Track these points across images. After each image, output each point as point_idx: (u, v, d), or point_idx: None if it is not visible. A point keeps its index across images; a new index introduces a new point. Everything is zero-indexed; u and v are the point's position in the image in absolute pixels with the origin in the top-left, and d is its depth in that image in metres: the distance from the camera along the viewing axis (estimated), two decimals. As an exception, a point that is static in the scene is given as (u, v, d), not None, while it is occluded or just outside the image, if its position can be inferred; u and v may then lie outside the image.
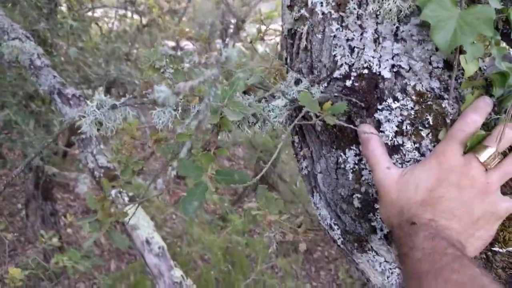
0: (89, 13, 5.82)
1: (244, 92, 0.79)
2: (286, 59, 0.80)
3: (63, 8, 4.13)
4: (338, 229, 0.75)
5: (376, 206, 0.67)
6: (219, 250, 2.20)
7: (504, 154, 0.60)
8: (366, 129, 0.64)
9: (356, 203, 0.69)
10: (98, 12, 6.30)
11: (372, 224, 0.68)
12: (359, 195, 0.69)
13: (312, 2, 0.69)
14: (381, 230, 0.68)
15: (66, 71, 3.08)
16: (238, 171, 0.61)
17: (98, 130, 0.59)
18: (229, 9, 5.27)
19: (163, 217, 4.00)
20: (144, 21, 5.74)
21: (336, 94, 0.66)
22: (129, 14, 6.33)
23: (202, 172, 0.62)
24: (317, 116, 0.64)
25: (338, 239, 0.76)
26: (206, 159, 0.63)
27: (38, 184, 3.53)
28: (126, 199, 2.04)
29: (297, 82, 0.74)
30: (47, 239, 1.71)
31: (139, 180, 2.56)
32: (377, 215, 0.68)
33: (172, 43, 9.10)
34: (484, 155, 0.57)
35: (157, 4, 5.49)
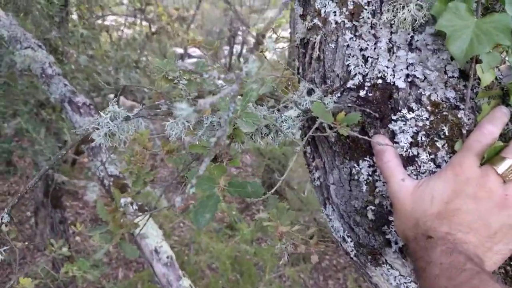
0: (99, 21, 5.90)
1: (256, 102, 0.79)
2: (298, 68, 0.80)
3: (74, 16, 4.19)
4: (351, 241, 0.74)
5: (391, 218, 0.66)
6: (227, 259, 2.18)
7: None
8: (380, 140, 0.63)
9: (370, 215, 0.68)
10: (108, 20, 6.39)
11: (387, 237, 0.67)
12: (373, 207, 0.68)
13: (325, 12, 0.69)
14: (396, 243, 0.66)
15: (76, 79, 3.12)
16: (252, 182, 0.60)
17: (111, 141, 0.59)
18: (237, 16, 5.30)
19: (171, 225, 4.00)
20: (153, 28, 5.80)
21: (349, 105, 0.65)
22: (138, 21, 6.41)
23: (214, 184, 0.61)
24: (330, 127, 0.63)
25: (351, 251, 0.75)
26: (218, 171, 0.62)
27: (47, 192, 3.55)
28: (135, 207, 2.04)
29: (310, 92, 0.73)
30: (56, 248, 1.71)
31: (148, 188, 2.56)
32: (392, 228, 0.66)
33: (180, 50, 9.17)
34: (502, 167, 0.56)
35: (166, 12, 5.55)
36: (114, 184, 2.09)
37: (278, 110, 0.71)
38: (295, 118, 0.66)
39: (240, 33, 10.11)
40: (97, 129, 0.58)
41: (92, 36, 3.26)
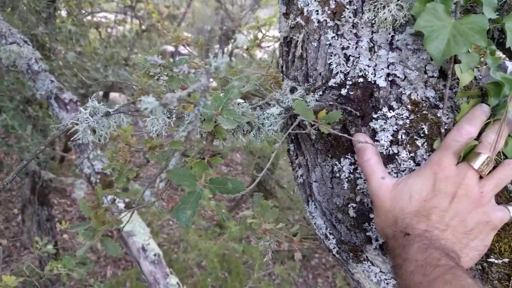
0: (89, 18, 5.83)
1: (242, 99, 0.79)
2: (281, 66, 0.80)
3: (63, 12, 4.14)
4: (333, 238, 0.74)
5: (371, 216, 0.67)
6: (216, 257, 2.18)
7: (497, 162, 0.60)
8: (361, 138, 0.64)
9: (352, 212, 0.69)
10: (98, 17, 6.32)
11: (368, 234, 0.68)
12: (354, 205, 0.68)
13: (307, 10, 0.69)
14: (376, 240, 0.67)
15: (64, 76, 3.08)
16: (232, 179, 0.61)
17: (91, 136, 0.58)
18: (228, 14, 5.29)
19: (159, 223, 3.98)
20: (144, 26, 5.75)
21: (331, 103, 0.65)
22: (128, 19, 6.35)
23: (195, 181, 0.61)
24: (312, 125, 0.63)
25: (333, 248, 0.75)
26: (199, 167, 0.62)
27: (34, 189, 3.51)
28: (122, 205, 2.03)
29: (292, 90, 0.73)
30: (42, 245, 1.69)
31: (136, 186, 2.55)
32: (372, 225, 0.67)
33: (171, 48, 9.12)
34: (477, 162, 0.57)
35: (156, 10, 5.52)
36: (101, 181, 2.07)
37: (261, 107, 0.72)
38: (277, 116, 0.66)
39: (231, 32, 10.10)
40: (76, 124, 0.58)
41: (80, 32, 3.22)
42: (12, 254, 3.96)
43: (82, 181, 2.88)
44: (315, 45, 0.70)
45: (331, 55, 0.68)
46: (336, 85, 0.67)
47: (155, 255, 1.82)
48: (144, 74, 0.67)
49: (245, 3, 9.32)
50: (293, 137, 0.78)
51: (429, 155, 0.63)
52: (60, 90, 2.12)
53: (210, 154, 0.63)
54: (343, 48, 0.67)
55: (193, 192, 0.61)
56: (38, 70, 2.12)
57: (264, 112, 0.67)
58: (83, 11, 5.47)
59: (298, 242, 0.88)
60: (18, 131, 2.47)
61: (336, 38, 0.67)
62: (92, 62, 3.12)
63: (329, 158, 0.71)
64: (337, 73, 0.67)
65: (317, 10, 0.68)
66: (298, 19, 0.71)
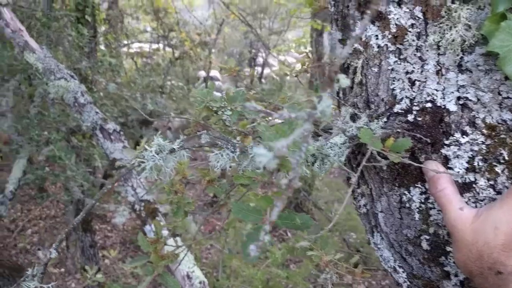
0: (125, 49, 6.11)
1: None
2: (338, 93, 0.78)
3: (102, 46, 4.35)
4: (403, 272, 0.70)
5: (449, 249, 0.62)
6: (260, 284, 2.13)
7: None
8: (433, 167, 0.60)
9: (425, 245, 0.64)
10: (133, 48, 6.60)
11: (445, 268, 0.63)
12: (427, 237, 0.64)
13: (366, 36, 0.67)
14: (456, 275, 0.62)
15: (105, 106, 3.20)
16: (300, 215, 0.58)
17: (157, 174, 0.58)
18: (258, 38, 5.38)
19: (197, 247, 3.98)
20: (176, 54, 5.95)
21: (398, 130, 0.63)
22: (162, 48, 6.59)
23: (261, 216, 0.60)
24: (379, 154, 0.60)
25: (404, 282, 0.71)
26: (264, 202, 0.61)
27: (78, 215, 3.62)
28: (165, 232, 2.04)
29: (353, 117, 0.71)
30: (91, 275, 1.72)
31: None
32: (450, 259, 0.62)
33: (203, 73, 9.35)
34: None
35: (189, 38, 5.70)
36: (145, 209, 2.10)
37: (320, 135, 0.70)
38: (341, 145, 0.64)
39: (260, 54, 10.25)
40: (143, 162, 0.58)
41: (119, 64, 3.36)
42: (57, 280, 4.06)
43: (124, 208, 2.93)
44: (376, 71, 0.68)
45: (394, 80, 0.65)
46: (402, 111, 0.64)
47: (200, 282, 1.80)
48: (204, 108, 0.67)
49: (273, 26, 9.47)
50: (354, 165, 0.75)
51: (511, 183, 0.58)
52: (104, 121, 2.20)
53: (274, 187, 0.61)
54: (407, 73, 0.64)
55: (259, 228, 0.59)
56: (84, 103, 2.22)
57: (328, 142, 0.64)
58: (120, 43, 5.74)
59: (360, 274, 0.83)
60: (64, 161, 2.57)
61: (399, 62, 0.65)
62: (131, 92, 3.23)
63: (396, 187, 0.67)
64: (402, 98, 0.64)
65: (376, 35, 0.66)
66: (356, 45, 0.69)
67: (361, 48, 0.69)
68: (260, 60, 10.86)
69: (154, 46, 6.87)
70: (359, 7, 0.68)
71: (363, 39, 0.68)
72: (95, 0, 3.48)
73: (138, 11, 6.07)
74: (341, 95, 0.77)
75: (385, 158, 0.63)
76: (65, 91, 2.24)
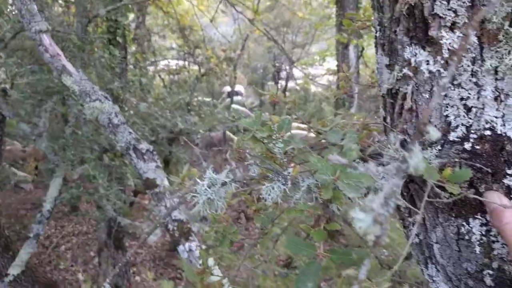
0: (152, 67, 6.25)
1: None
2: (384, 118, 0.76)
3: (131, 66, 4.48)
4: (463, 307, 0.66)
5: (516, 285, 0.58)
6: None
7: None
8: (495, 198, 0.57)
9: (488, 281, 0.61)
10: (160, 65, 6.76)
11: (512, 306, 0.59)
12: (490, 272, 0.61)
13: (416, 61, 0.66)
14: (525, 314, 0.58)
15: (136, 125, 3.28)
16: (356, 249, 0.56)
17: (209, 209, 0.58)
18: (283, 52, 5.40)
19: (225, 264, 3.96)
20: (202, 70, 6.05)
21: (455, 159, 0.60)
22: (188, 64, 6.72)
23: (314, 250, 0.58)
24: (438, 186, 0.58)
25: (463, 318, 0.67)
26: (318, 236, 0.59)
27: (110, 233, 3.68)
28: (211, 261, 2.04)
29: (403, 144, 0.69)
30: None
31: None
32: (518, 296, 0.58)
33: (228, 88, 9.45)
34: None
35: (214, 54, 5.80)
36: (178, 229, 2.11)
37: (365, 161, 0.68)
38: (393, 175, 0.62)
39: (284, 68, 10.30)
40: (195, 196, 0.58)
41: (150, 84, 3.44)
42: (90, 296, 4.12)
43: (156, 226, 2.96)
44: (427, 97, 0.66)
45: (447, 107, 0.63)
46: (458, 139, 0.62)
47: (234, 304, 1.77)
48: (251, 138, 0.67)
49: (296, 40, 9.52)
50: (405, 193, 0.73)
51: None
52: (137, 141, 2.24)
53: (326, 220, 0.60)
54: (462, 99, 0.62)
55: (313, 263, 0.58)
56: (118, 123, 2.27)
57: (379, 171, 0.62)
58: (148, 61, 5.89)
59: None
60: (98, 180, 2.63)
61: (453, 88, 0.62)
62: (162, 111, 3.30)
63: (453, 218, 0.64)
64: (457, 126, 0.62)
65: (427, 60, 0.64)
66: (405, 70, 0.68)
67: (411, 74, 0.67)
68: (284, 73, 10.90)
69: (180, 63, 7.01)
70: (408, 32, 0.66)
71: (413, 64, 0.67)
72: (125, 21, 3.60)
73: (164, 29, 6.23)
74: (388, 120, 0.75)
75: (442, 188, 0.60)
76: (100, 112, 2.30)
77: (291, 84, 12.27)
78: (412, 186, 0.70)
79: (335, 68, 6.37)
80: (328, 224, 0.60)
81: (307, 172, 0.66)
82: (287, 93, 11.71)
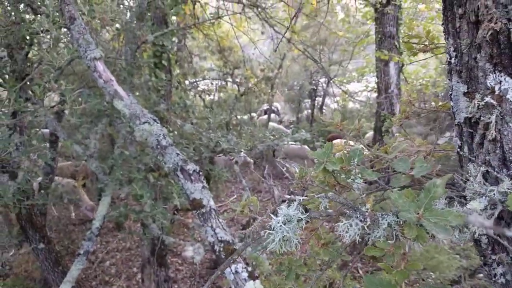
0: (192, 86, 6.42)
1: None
2: (461, 147, 0.72)
3: (174, 88, 4.62)
4: None
5: None
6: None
7: None
8: None
9: None
10: (200, 85, 6.94)
11: None
12: None
13: (501, 89, 0.62)
14: None
15: (180, 145, 3.35)
16: (437, 286, 0.52)
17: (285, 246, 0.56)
18: (323, 71, 5.37)
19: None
20: (242, 89, 6.14)
21: (555, 197, 0.55)
22: (227, 84, 6.85)
23: (398, 292, 0.55)
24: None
25: None
26: (400, 276, 0.56)
27: (153, 250, 3.74)
28: (245, 275, 2.02)
29: (485, 176, 0.65)
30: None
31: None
32: None
33: (265, 106, 9.52)
34: None
35: (253, 74, 5.87)
36: (224, 250, 2.10)
37: (451, 198, 0.64)
38: (481, 211, 0.57)
39: (320, 85, 10.25)
40: (271, 234, 0.56)
41: (192, 104, 3.52)
42: (133, 313, 4.18)
43: (200, 245, 2.98)
44: (514, 127, 0.61)
45: (540, 138, 0.59)
46: (557, 174, 0.57)
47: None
48: (323, 170, 0.65)
49: (333, 57, 9.47)
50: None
51: None
52: (184, 162, 2.28)
53: (406, 260, 0.56)
54: (558, 130, 0.57)
55: (397, 306, 0.54)
56: (166, 145, 2.33)
57: (464, 208, 0.58)
58: (189, 82, 6.06)
59: None
60: (145, 200, 2.69)
61: (546, 118, 0.58)
62: (206, 131, 3.36)
63: (550, 259, 0.58)
64: (554, 159, 0.57)
65: (514, 89, 0.60)
66: (488, 98, 0.64)
67: (495, 102, 0.63)
68: (320, 90, 10.85)
69: (219, 82, 7.16)
70: (491, 58, 0.63)
71: (497, 92, 0.63)
72: (171, 45, 3.74)
73: (205, 51, 6.41)
74: (465, 150, 0.71)
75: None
76: (149, 134, 2.37)
77: (328, 100, 12.17)
78: (496, 221, 0.65)
79: (375, 85, 6.25)
80: (412, 264, 0.56)
81: (383, 204, 0.63)
82: (324, 110, 11.61)
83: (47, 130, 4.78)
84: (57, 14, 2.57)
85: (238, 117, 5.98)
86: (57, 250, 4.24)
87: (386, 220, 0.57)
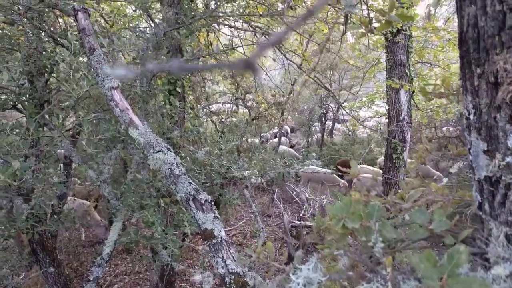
0: (205, 110, 6.49)
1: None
2: (481, 204, 0.72)
3: (187, 115, 4.68)
4: None
5: None
6: None
7: None
8: None
9: None
10: (212, 108, 7.01)
11: None
12: None
13: (521, 151, 0.62)
14: None
15: (192, 171, 3.37)
16: None
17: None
18: (335, 98, 5.41)
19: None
20: (253, 114, 6.20)
21: None
22: (238, 109, 6.92)
23: None
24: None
25: None
26: None
27: (162, 276, 3.71)
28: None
29: (508, 237, 0.64)
30: None
31: None
32: None
33: (276, 129, 9.55)
34: None
35: (264, 99, 5.94)
36: (234, 282, 2.08)
37: (475, 261, 0.63)
38: (506, 279, 0.57)
39: (330, 109, 10.29)
40: (292, 295, 0.56)
41: (205, 131, 3.56)
42: None
43: (210, 274, 2.95)
44: (537, 189, 0.61)
45: None
46: None
47: None
48: (341, 227, 0.65)
49: (343, 82, 9.54)
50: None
51: None
52: (196, 191, 2.29)
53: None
54: None
55: None
56: (179, 174, 2.35)
57: (488, 274, 0.58)
58: (201, 106, 6.14)
59: None
60: (157, 227, 2.70)
61: None
62: (217, 158, 3.38)
63: None
64: None
65: (535, 151, 0.60)
66: (509, 158, 0.64)
67: (515, 163, 0.63)
68: (330, 115, 10.88)
69: (229, 106, 7.24)
70: (511, 120, 0.63)
71: (518, 153, 0.63)
72: (185, 73, 3.81)
73: (217, 76, 6.52)
74: (486, 208, 0.71)
75: None
76: (163, 163, 2.40)
77: (338, 125, 12.19)
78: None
79: (384, 111, 6.25)
80: (434, 330, 0.55)
81: (404, 266, 0.63)
82: (334, 133, 11.61)
83: (61, 151, 4.86)
84: (76, 43, 2.66)
85: (249, 140, 6.01)
86: (66, 273, 4.23)
87: (407, 285, 0.56)
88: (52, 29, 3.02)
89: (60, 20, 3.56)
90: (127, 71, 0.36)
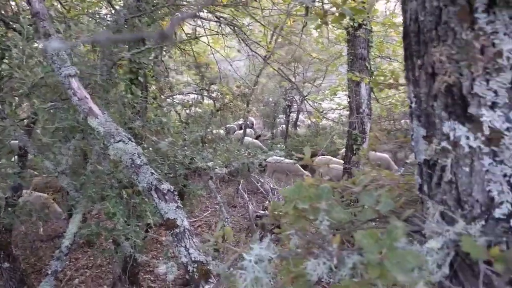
0: (168, 100, 6.38)
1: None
2: (421, 186, 0.78)
3: (149, 104, 4.59)
4: None
5: None
6: None
7: None
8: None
9: None
10: (176, 99, 6.91)
11: None
12: None
13: (455, 135, 0.68)
14: None
15: (155, 162, 3.32)
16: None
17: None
18: (298, 90, 5.49)
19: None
20: (218, 105, 6.17)
21: (503, 238, 0.61)
22: (202, 99, 6.86)
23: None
24: (486, 262, 0.58)
25: None
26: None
27: (125, 268, 3.66)
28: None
29: (443, 215, 0.70)
30: None
31: None
32: None
33: (241, 121, 9.55)
34: None
35: (229, 90, 5.93)
36: (197, 270, 2.10)
37: (411, 236, 0.69)
38: (439, 251, 0.62)
39: (295, 101, 10.45)
40: (243, 273, 0.59)
41: (168, 122, 3.52)
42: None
43: (173, 264, 2.94)
44: (467, 170, 0.67)
45: (489, 182, 0.65)
46: (504, 217, 0.63)
47: None
48: (293, 208, 0.68)
49: (307, 75, 9.69)
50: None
51: None
52: (159, 182, 2.27)
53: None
54: (505, 175, 0.63)
55: None
56: (140, 164, 2.31)
57: (423, 247, 0.63)
58: (164, 96, 6.03)
59: None
60: (119, 218, 2.65)
61: (495, 164, 0.64)
62: (181, 148, 3.36)
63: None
64: (502, 202, 0.63)
65: (467, 136, 0.66)
66: (444, 143, 0.70)
67: (450, 147, 0.69)
68: (295, 107, 11.04)
69: (195, 97, 7.17)
70: (446, 107, 0.69)
71: (452, 138, 0.69)
72: (147, 62, 3.73)
73: (181, 66, 6.43)
74: (425, 189, 0.77)
75: (489, 264, 0.61)
76: (123, 153, 2.36)
77: (302, 116, 12.40)
78: (454, 258, 0.70)
79: (347, 103, 6.44)
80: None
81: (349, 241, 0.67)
82: (298, 126, 11.81)
83: (15, 142, 4.63)
84: (30, 28, 2.53)
85: (214, 131, 5.99)
86: (22, 268, 4.07)
87: (351, 260, 0.60)
88: (3, 12, 2.85)
89: (12, 2, 3.36)
90: (61, 43, 0.37)
